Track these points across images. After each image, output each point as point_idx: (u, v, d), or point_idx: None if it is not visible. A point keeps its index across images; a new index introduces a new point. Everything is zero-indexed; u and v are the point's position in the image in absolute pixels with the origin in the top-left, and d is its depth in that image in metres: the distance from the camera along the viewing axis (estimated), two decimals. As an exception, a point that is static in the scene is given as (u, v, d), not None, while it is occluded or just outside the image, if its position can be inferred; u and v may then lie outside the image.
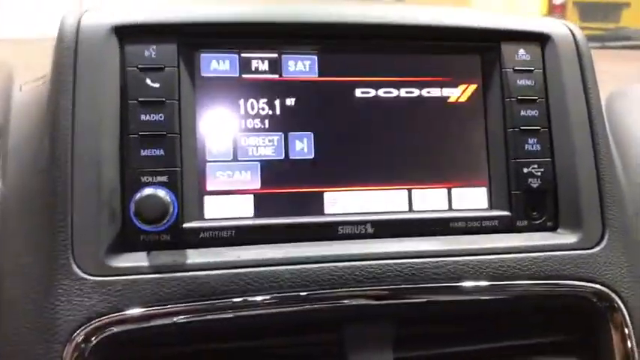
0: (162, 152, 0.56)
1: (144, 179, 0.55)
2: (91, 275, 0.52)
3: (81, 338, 0.51)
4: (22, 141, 0.58)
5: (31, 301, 0.52)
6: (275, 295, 0.54)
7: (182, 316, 0.53)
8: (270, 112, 0.60)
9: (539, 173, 0.62)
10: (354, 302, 0.56)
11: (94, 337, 0.51)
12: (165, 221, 0.53)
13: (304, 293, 0.55)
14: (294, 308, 0.55)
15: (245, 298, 0.54)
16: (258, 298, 0.54)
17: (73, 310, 0.51)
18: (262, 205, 0.59)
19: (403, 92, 0.62)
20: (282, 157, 0.59)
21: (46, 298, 0.52)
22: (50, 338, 0.51)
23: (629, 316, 0.60)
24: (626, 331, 0.60)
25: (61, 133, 0.54)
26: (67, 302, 0.51)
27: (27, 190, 0.55)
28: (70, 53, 0.55)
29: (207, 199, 0.58)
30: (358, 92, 0.61)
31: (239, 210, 0.58)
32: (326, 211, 0.60)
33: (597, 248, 0.61)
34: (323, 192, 0.60)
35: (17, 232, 0.54)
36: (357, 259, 0.56)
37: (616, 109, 0.81)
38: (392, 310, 0.58)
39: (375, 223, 0.59)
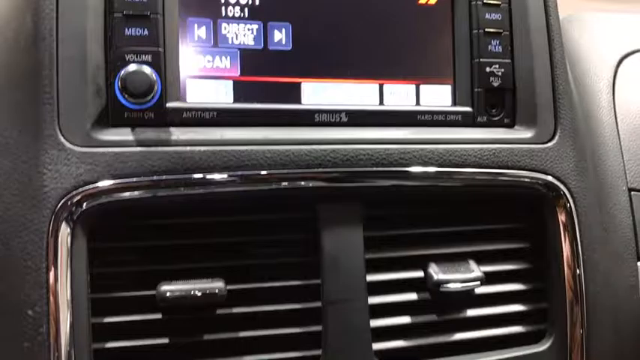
0: (146, 32, 0.57)
1: (128, 57, 0.56)
2: (77, 146, 0.54)
3: (68, 205, 0.53)
4: (2, 22, 0.58)
5: (20, 171, 0.53)
6: (256, 171, 0.57)
7: (167, 189, 0.55)
8: (250, 1, 0.61)
9: (499, 73, 0.67)
10: (322, 184, 0.60)
11: (85, 204, 0.53)
12: (150, 98, 0.55)
13: (283, 171, 0.58)
14: (272, 186, 0.58)
15: (228, 173, 0.57)
16: (240, 174, 0.57)
17: (60, 178, 0.53)
18: (241, 92, 0.61)
19: (378, -10, 0.65)
20: (262, 46, 0.62)
21: (33, 167, 0.53)
22: (38, 204, 0.52)
23: (574, 204, 0.67)
24: (572, 217, 0.66)
25: (46, 9, 0.54)
26: (55, 171, 0.53)
27: (12, 66, 0.55)
28: None
29: (189, 81, 0.59)
30: (336, -13, 0.64)
31: (219, 95, 0.60)
32: (303, 101, 0.63)
33: (550, 143, 0.67)
34: (300, 83, 0.63)
35: (2, 108, 0.55)
36: (331, 142, 0.60)
37: (568, 30, 0.86)
38: (363, 191, 0.62)
39: (349, 113, 0.63)
